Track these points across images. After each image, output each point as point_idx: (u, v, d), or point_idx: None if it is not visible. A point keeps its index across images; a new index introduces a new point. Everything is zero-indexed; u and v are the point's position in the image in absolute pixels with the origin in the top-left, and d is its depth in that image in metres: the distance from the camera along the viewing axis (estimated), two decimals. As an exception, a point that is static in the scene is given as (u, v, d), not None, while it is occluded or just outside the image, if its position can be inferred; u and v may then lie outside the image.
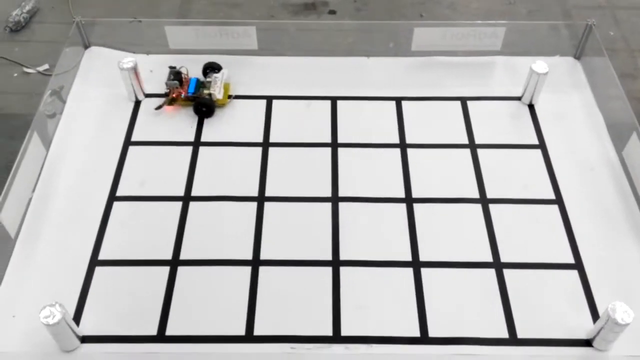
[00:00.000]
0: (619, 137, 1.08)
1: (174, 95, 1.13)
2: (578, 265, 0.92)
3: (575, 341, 0.84)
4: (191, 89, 1.12)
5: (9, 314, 0.86)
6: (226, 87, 1.15)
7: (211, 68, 1.17)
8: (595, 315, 0.86)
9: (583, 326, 0.85)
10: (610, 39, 1.76)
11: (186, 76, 1.14)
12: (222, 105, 1.13)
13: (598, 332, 0.82)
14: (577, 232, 0.96)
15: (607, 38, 1.77)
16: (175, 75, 1.13)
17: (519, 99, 1.16)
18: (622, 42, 1.77)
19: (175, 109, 1.13)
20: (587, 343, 0.84)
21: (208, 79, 1.14)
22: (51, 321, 0.77)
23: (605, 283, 0.90)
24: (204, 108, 1.11)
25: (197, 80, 1.13)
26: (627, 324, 0.78)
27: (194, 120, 1.12)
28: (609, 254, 0.93)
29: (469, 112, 1.14)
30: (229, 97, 1.14)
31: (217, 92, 1.12)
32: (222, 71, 1.15)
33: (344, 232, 0.96)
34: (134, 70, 1.10)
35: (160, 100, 1.14)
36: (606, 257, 0.93)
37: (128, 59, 1.10)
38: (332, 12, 1.88)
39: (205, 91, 1.12)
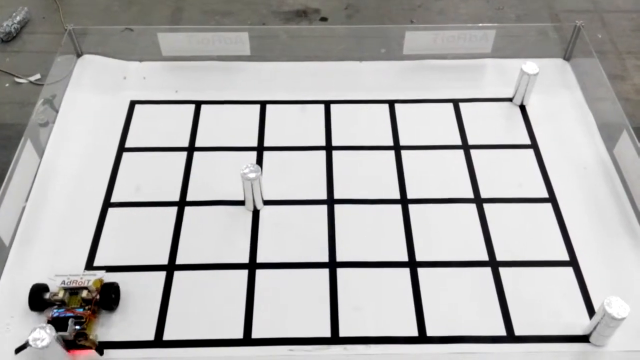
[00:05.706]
0: (609, 136, 1.09)
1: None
2: (573, 262, 0.93)
3: (572, 337, 0.84)
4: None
5: (4, 324, 0.85)
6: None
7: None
8: (591, 311, 0.87)
9: (579, 322, 0.86)
10: (598, 42, 1.79)
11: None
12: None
13: (594, 328, 0.82)
14: (571, 230, 0.96)
15: (595, 41, 1.79)
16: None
17: (510, 100, 1.17)
18: (610, 45, 1.79)
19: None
20: (584, 339, 0.84)
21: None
22: (40, 344, 0.75)
23: (600, 279, 0.90)
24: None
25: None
26: (623, 319, 0.79)
27: (187, 125, 1.12)
28: (603, 250, 0.94)
29: (461, 113, 1.15)
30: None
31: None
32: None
33: (340, 234, 0.96)
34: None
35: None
36: (600, 254, 0.94)
37: None
38: (324, 19, 1.89)
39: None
